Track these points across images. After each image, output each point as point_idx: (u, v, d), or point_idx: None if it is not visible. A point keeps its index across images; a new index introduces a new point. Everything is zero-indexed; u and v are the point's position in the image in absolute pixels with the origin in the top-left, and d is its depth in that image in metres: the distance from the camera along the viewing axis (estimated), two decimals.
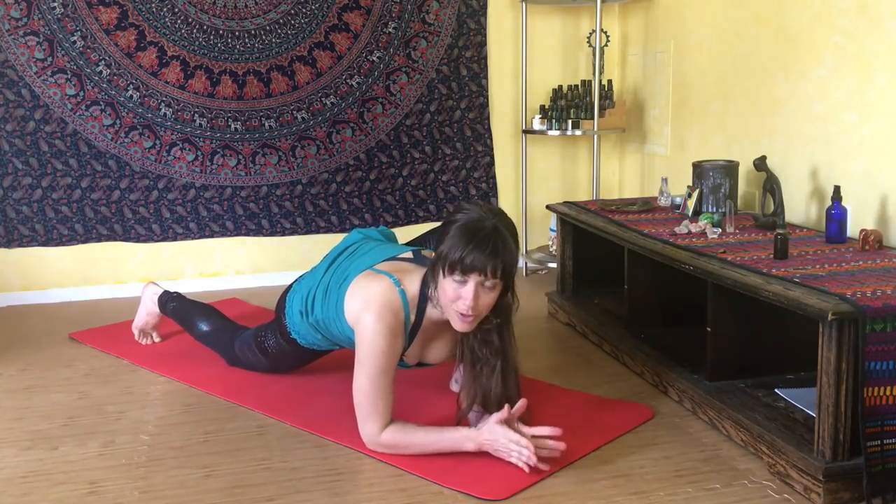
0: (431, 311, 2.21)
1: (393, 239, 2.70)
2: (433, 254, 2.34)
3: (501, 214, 2.12)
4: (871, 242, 2.49)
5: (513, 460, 2.08)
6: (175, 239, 4.02)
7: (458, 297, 2.04)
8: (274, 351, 2.67)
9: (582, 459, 2.17)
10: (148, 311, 3.13)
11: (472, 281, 2.02)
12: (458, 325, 2.11)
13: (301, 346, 2.58)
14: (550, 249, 4.15)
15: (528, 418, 2.18)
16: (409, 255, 2.36)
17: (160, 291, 3.11)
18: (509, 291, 2.16)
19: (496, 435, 2.08)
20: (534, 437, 2.09)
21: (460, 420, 2.22)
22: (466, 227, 2.04)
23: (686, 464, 2.16)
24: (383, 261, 2.32)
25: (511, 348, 2.21)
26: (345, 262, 2.43)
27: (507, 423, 2.10)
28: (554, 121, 4.15)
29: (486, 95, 4.31)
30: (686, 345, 2.72)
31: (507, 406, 2.11)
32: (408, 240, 2.79)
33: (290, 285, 2.62)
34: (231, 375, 2.80)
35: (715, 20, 3.58)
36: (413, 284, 2.21)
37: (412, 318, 2.21)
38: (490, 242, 2.01)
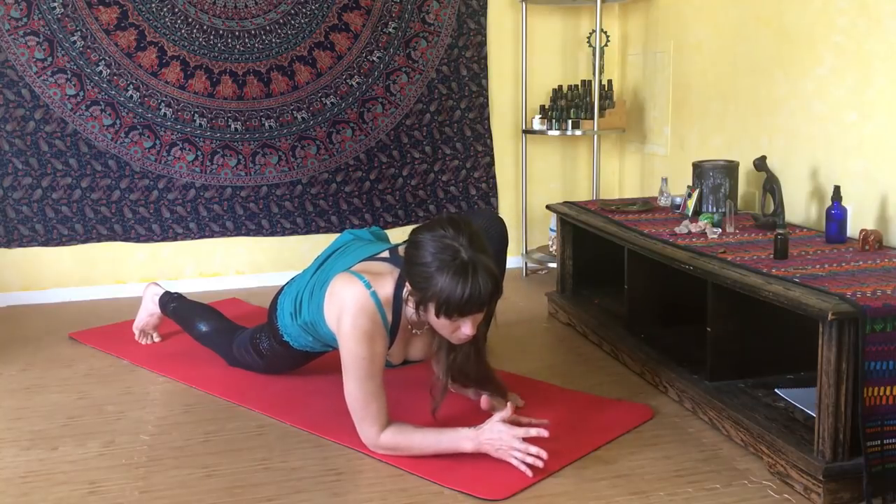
0: (406, 313, 2.20)
1: (384, 239, 2.69)
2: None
3: (466, 230, 2.00)
4: (871, 242, 2.49)
5: (514, 462, 2.07)
6: (175, 239, 4.02)
7: (458, 329, 2.05)
8: (268, 353, 2.67)
9: (582, 459, 2.17)
10: (149, 311, 3.13)
11: (470, 318, 2.03)
12: (456, 343, 2.14)
13: (293, 348, 2.58)
14: (550, 249, 4.15)
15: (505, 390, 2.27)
16: (385, 254, 2.34)
17: (161, 292, 3.12)
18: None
19: (499, 434, 2.08)
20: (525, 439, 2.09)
21: (435, 410, 2.22)
22: (451, 272, 1.95)
23: (686, 464, 2.16)
24: (360, 261, 2.31)
25: (481, 335, 2.24)
26: (330, 263, 2.43)
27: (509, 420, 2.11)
28: (554, 121, 4.15)
29: (486, 95, 4.31)
30: (686, 345, 2.72)
31: (510, 404, 2.13)
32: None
33: (282, 287, 2.62)
34: (231, 375, 2.80)
35: (715, 20, 3.58)
36: (385, 287, 2.18)
37: (389, 319, 2.19)
38: (479, 283, 1.95)
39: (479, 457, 2.12)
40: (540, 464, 2.05)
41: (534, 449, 2.05)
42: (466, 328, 2.04)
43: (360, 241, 2.53)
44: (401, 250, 2.33)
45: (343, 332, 2.13)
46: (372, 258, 2.32)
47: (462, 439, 2.12)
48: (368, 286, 2.16)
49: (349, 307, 2.13)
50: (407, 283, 2.10)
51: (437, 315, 2.01)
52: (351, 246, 2.48)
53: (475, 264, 1.96)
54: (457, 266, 1.95)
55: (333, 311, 2.20)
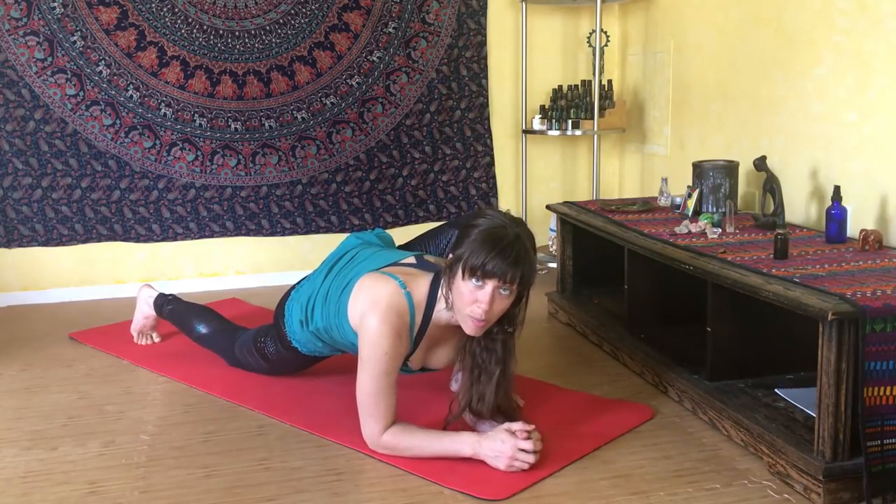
0: (437, 317, 2.20)
1: (390, 243, 2.68)
2: (439, 259, 2.34)
3: (523, 225, 2.12)
4: (871, 242, 2.49)
5: (503, 468, 2.07)
6: (175, 239, 4.02)
7: (475, 301, 2.04)
8: (274, 357, 2.66)
9: (582, 459, 2.17)
10: (144, 314, 3.12)
11: (490, 286, 2.02)
12: (470, 329, 2.10)
13: (302, 353, 2.57)
14: (550, 249, 4.15)
15: (521, 419, 2.22)
16: (411, 260, 2.35)
17: (155, 294, 3.10)
18: (523, 301, 2.16)
19: (502, 443, 2.07)
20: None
21: (449, 424, 2.22)
22: (490, 233, 2.03)
23: (686, 464, 2.16)
24: (386, 266, 2.31)
25: (511, 359, 2.21)
26: (345, 268, 2.41)
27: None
28: (554, 121, 4.16)
29: (486, 95, 4.31)
30: (686, 345, 2.72)
31: (520, 423, 2.11)
32: (403, 241, 2.78)
33: (288, 293, 2.60)
34: (231, 375, 2.80)
35: (715, 20, 3.58)
36: (420, 289, 2.19)
37: (418, 322, 2.19)
38: (512, 251, 2.01)
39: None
40: (525, 467, 2.07)
41: (531, 457, 2.06)
42: (484, 297, 2.02)
43: (370, 246, 2.52)
44: (429, 258, 2.34)
45: (369, 326, 2.13)
46: (397, 264, 2.32)
47: (463, 444, 2.12)
48: (404, 286, 2.17)
49: (381, 303, 2.13)
50: (442, 281, 2.14)
51: (463, 272, 2.02)
52: (362, 251, 2.47)
53: (517, 237, 2.04)
54: (499, 230, 2.05)
55: (361, 307, 2.18)
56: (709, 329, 2.46)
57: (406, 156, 4.21)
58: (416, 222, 4.24)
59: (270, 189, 4.08)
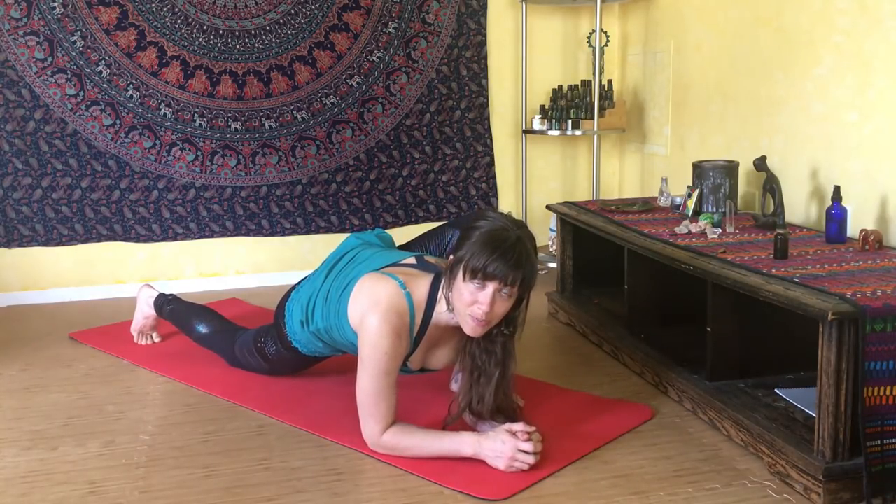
0: (437, 317, 2.20)
1: (391, 243, 2.68)
2: (439, 260, 2.34)
3: (525, 227, 2.12)
4: (871, 242, 2.49)
5: (503, 469, 2.07)
6: (175, 239, 4.02)
7: (475, 302, 2.04)
8: (274, 357, 2.66)
9: (582, 459, 2.17)
10: (144, 314, 3.12)
11: (491, 287, 2.02)
12: (469, 329, 2.10)
13: (302, 353, 2.57)
14: (550, 249, 4.15)
15: (521, 419, 2.21)
16: (411, 260, 2.35)
17: (156, 294, 3.10)
18: (523, 304, 2.16)
19: (503, 444, 2.07)
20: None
21: (448, 425, 2.22)
22: (491, 235, 2.04)
23: (686, 464, 2.16)
24: (386, 266, 2.31)
25: (511, 361, 2.21)
26: (345, 268, 2.41)
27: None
28: (554, 121, 4.16)
29: (486, 95, 4.31)
30: (686, 345, 2.72)
31: (521, 424, 2.12)
32: (403, 241, 2.78)
33: (289, 293, 2.60)
34: (231, 375, 2.80)
35: (715, 20, 3.58)
36: (419, 290, 2.20)
37: (418, 323, 2.19)
38: (514, 253, 2.01)
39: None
40: (525, 467, 2.07)
41: (531, 458, 2.07)
42: (485, 298, 2.02)
43: (370, 247, 2.52)
44: (429, 259, 2.34)
45: (369, 326, 2.13)
46: (396, 265, 2.32)
47: (463, 444, 2.12)
48: (403, 287, 2.17)
49: (382, 303, 2.13)
50: (443, 282, 2.15)
51: (464, 273, 2.03)
52: (363, 252, 2.47)
53: (518, 239, 2.05)
54: (501, 232, 2.05)
55: (361, 308, 2.18)
56: (709, 329, 2.46)
57: (406, 156, 4.21)
58: (416, 222, 4.24)
59: (270, 189, 4.08)
